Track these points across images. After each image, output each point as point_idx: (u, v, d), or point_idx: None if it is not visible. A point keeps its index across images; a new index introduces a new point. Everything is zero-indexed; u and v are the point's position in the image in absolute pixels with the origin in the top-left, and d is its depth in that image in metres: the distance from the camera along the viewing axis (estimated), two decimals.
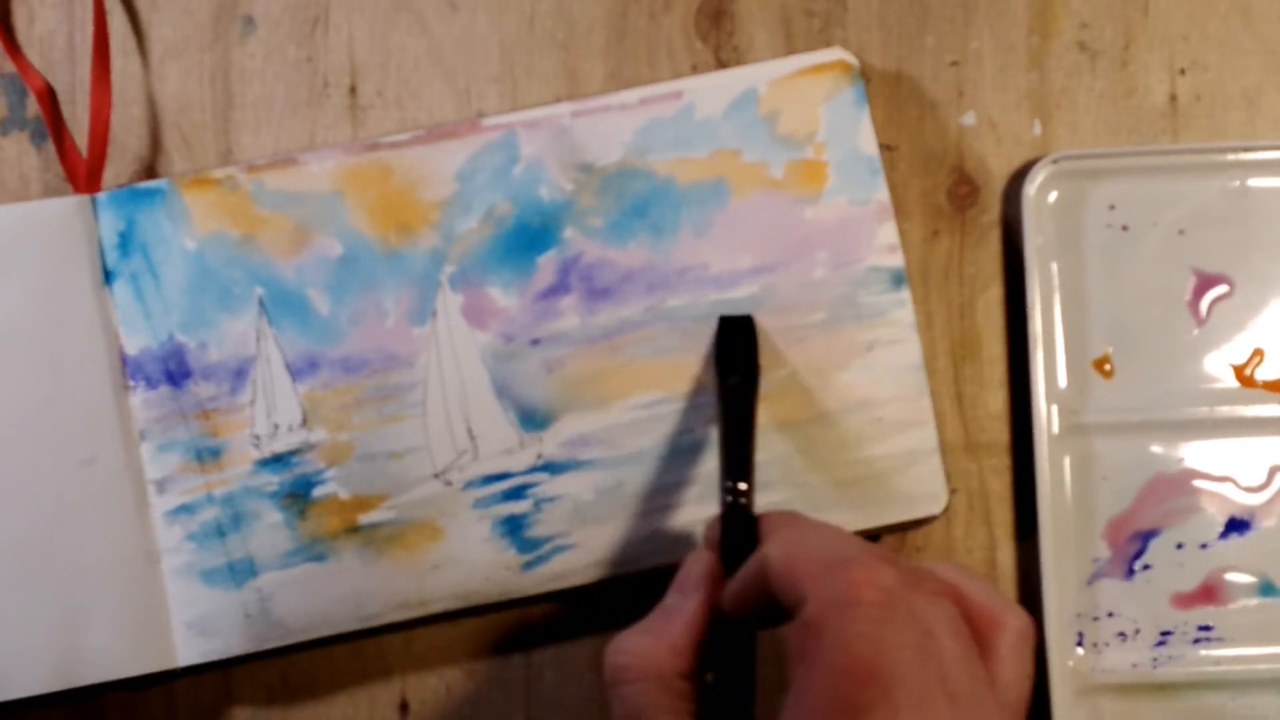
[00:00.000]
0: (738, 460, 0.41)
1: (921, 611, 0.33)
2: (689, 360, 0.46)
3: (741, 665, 0.37)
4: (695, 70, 0.48)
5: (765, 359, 0.46)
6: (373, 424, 0.46)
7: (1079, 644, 0.47)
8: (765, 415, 0.46)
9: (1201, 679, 0.47)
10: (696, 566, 0.39)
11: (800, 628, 0.33)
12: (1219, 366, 0.47)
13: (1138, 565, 0.47)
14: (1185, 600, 0.47)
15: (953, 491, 0.47)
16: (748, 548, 0.38)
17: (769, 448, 0.46)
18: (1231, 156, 0.47)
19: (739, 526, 0.40)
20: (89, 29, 0.47)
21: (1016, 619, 0.35)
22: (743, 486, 0.40)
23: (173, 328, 0.46)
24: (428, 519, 0.46)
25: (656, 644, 0.37)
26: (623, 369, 0.46)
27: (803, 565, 0.34)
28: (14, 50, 0.48)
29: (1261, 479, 0.47)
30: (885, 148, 0.48)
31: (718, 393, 0.44)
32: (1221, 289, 0.47)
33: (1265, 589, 0.47)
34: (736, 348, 0.44)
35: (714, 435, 0.46)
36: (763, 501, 0.46)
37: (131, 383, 0.46)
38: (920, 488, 0.46)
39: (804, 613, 0.33)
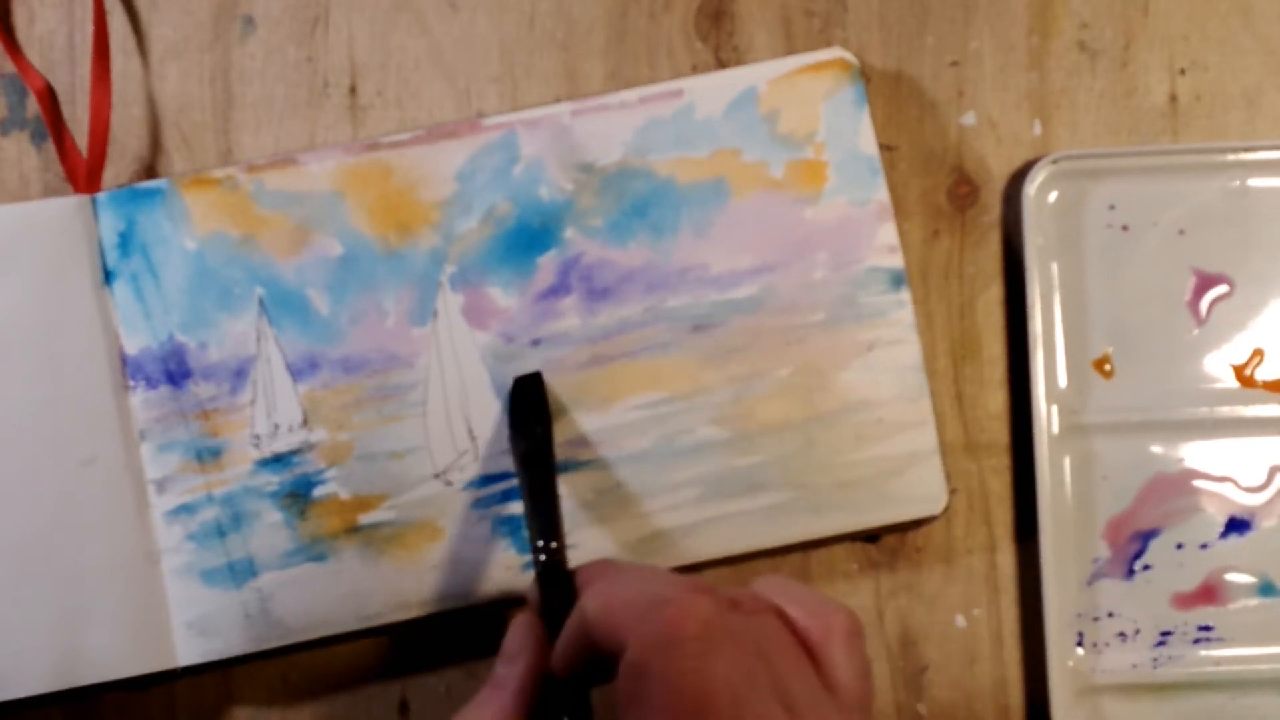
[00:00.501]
0: (544, 520, 0.41)
1: (746, 634, 0.33)
2: (689, 360, 0.46)
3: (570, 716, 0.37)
4: (695, 70, 0.48)
5: (765, 359, 0.46)
6: (373, 424, 0.46)
7: (1079, 644, 0.47)
8: (765, 415, 0.46)
9: (1201, 679, 0.47)
10: (518, 633, 0.39)
11: (625, 673, 0.33)
12: (1219, 366, 0.47)
13: (1138, 565, 0.47)
14: (1185, 600, 0.47)
15: (953, 491, 0.47)
16: (568, 604, 0.37)
17: (769, 448, 0.46)
18: (1231, 156, 0.47)
19: (556, 584, 0.40)
20: (89, 29, 0.47)
21: (841, 618, 0.35)
22: (554, 545, 0.40)
23: (173, 328, 0.46)
24: (428, 519, 0.46)
25: (490, 718, 0.37)
26: (623, 369, 0.46)
27: (619, 612, 0.34)
28: (14, 50, 0.48)
29: (1261, 479, 0.47)
30: (885, 148, 0.48)
31: (514, 454, 0.44)
32: (1221, 289, 0.47)
33: (1265, 589, 0.47)
34: (527, 408, 0.44)
35: (714, 435, 0.46)
36: (763, 503, 0.46)
37: (131, 383, 0.46)
38: (920, 488, 0.46)
39: (627, 657, 0.33)
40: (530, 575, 0.41)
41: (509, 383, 0.46)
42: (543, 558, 0.40)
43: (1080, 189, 0.47)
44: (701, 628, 0.32)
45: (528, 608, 0.40)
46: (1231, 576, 0.47)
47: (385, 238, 0.46)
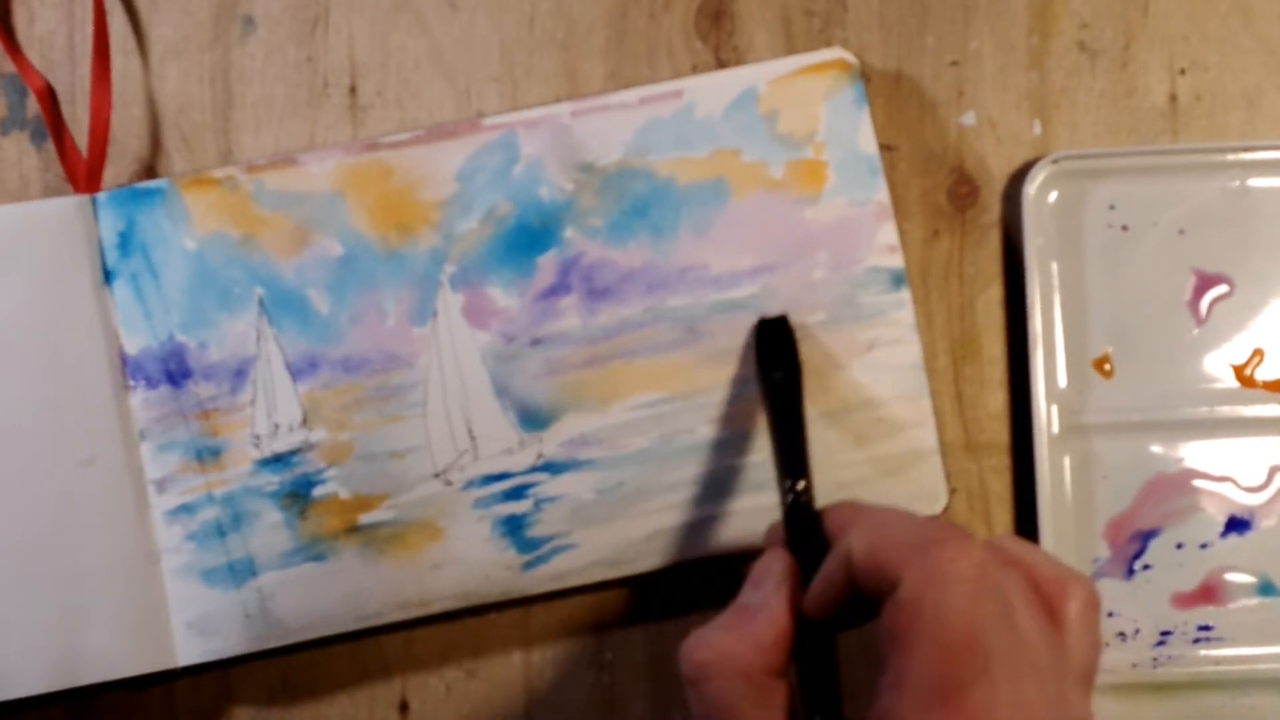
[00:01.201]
0: (792, 458, 0.41)
1: (1003, 586, 0.34)
2: (689, 360, 0.46)
3: (827, 665, 0.37)
4: (695, 70, 0.48)
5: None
6: (373, 424, 0.46)
7: None
8: (764, 415, 0.46)
9: (1201, 679, 0.47)
10: (776, 564, 0.38)
11: (897, 609, 0.33)
12: (1219, 366, 0.47)
13: (1138, 565, 0.47)
14: (1185, 600, 0.47)
15: (953, 491, 0.47)
16: (815, 543, 0.38)
17: (769, 449, 0.46)
18: (1231, 156, 0.47)
19: (804, 524, 0.39)
20: (89, 29, 0.47)
21: (1082, 587, 0.35)
22: (801, 485, 0.40)
23: (173, 328, 0.46)
24: (428, 519, 0.46)
25: (739, 640, 0.36)
26: (623, 369, 0.46)
27: (891, 550, 0.34)
28: (14, 50, 0.48)
29: (1261, 479, 0.47)
30: (885, 148, 0.48)
31: (763, 394, 0.44)
32: (1221, 289, 0.47)
33: (1265, 589, 0.47)
34: (776, 347, 0.44)
35: (713, 435, 0.46)
36: (763, 503, 0.46)
37: (131, 383, 0.46)
38: (920, 488, 0.46)
39: (900, 594, 0.33)
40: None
41: (509, 383, 0.46)
42: (790, 497, 0.40)
43: (1080, 189, 0.47)
44: (976, 570, 0.33)
45: (769, 548, 0.40)
46: (1231, 576, 0.47)
47: (385, 238, 0.46)
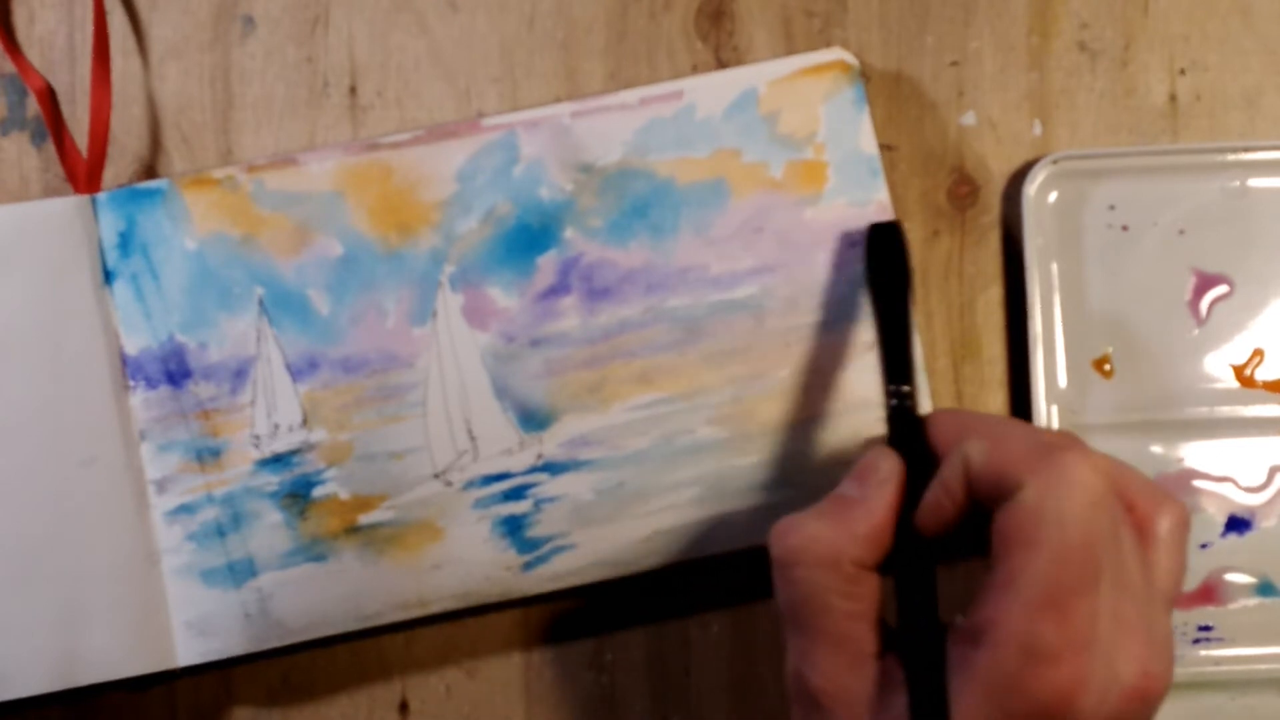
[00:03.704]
0: (898, 362, 0.41)
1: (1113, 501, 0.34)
2: (689, 360, 0.46)
3: (926, 570, 0.36)
4: (695, 70, 0.48)
5: (765, 359, 0.46)
6: (373, 424, 0.46)
7: None
8: (765, 415, 0.46)
9: (1201, 679, 0.47)
10: (883, 461, 0.38)
11: (1017, 512, 0.33)
12: (1219, 366, 0.47)
13: None
14: (1185, 600, 0.47)
15: None
16: (919, 450, 0.37)
17: (769, 448, 0.46)
18: (1231, 156, 0.47)
19: (907, 429, 0.39)
20: (89, 29, 0.47)
21: (1174, 509, 0.36)
22: (906, 389, 0.40)
23: (173, 328, 0.46)
24: (428, 519, 0.46)
25: (835, 530, 0.36)
26: (623, 369, 0.46)
27: (1013, 456, 0.34)
28: (14, 50, 0.48)
29: (1261, 479, 0.47)
30: (885, 148, 0.48)
31: (872, 298, 0.44)
32: (1221, 289, 0.47)
33: (1265, 589, 0.47)
34: (886, 251, 0.44)
35: (713, 435, 0.46)
36: (763, 503, 0.46)
37: (131, 383, 0.46)
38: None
39: (1021, 498, 0.33)
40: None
41: (509, 383, 0.46)
42: (894, 401, 0.40)
43: (1080, 189, 0.47)
44: (1099, 480, 0.33)
45: (873, 450, 0.39)
46: (1231, 576, 0.47)
47: (385, 238, 0.46)
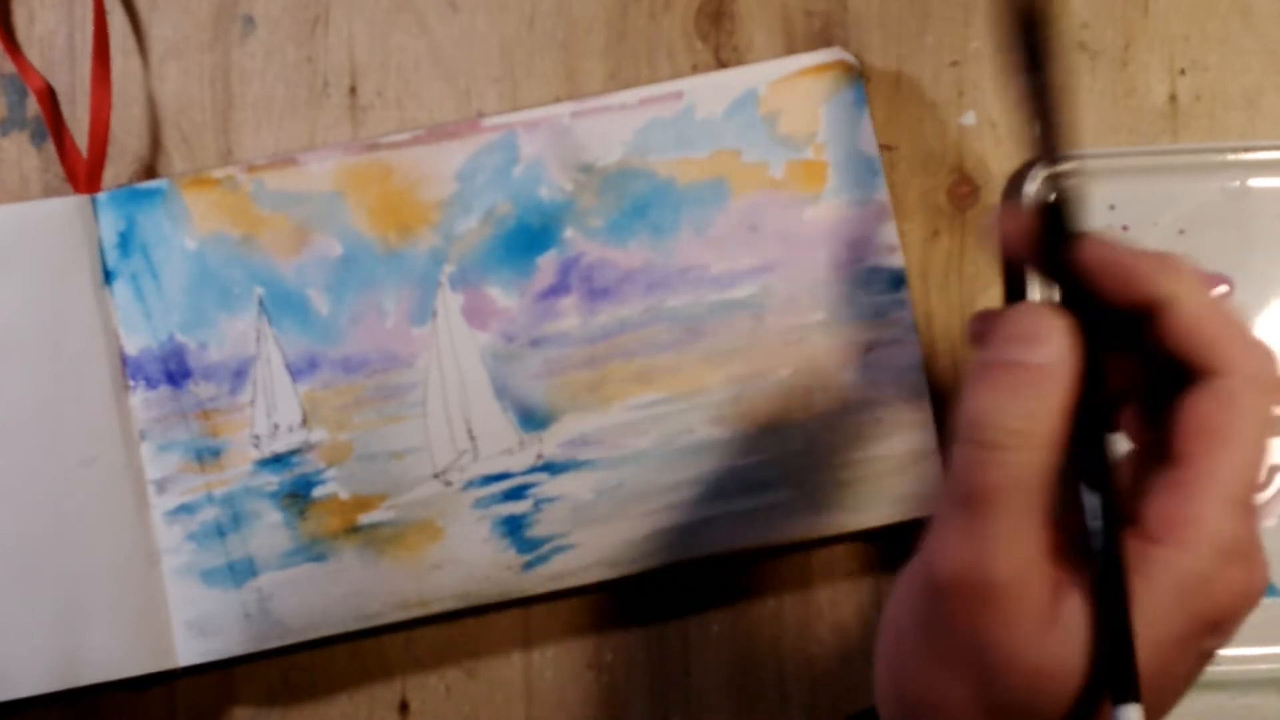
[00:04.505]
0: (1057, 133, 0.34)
1: None
2: (689, 360, 0.46)
3: (1104, 437, 0.32)
4: (695, 70, 0.48)
5: (765, 359, 0.46)
6: (373, 424, 0.46)
7: None
8: (765, 415, 0.46)
9: (1201, 679, 0.47)
10: (1056, 320, 0.31)
11: (1220, 399, 0.31)
12: None
13: None
14: None
15: None
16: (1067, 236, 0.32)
17: (769, 448, 0.46)
18: (1231, 156, 0.47)
19: (1067, 217, 0.33)
20: (89, 29, 0.47)
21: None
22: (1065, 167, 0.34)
23: (173, 328, 0.46)
24: (428, 519, 0.46)
25: (1044, 404, 0.31)
26: (623, 369, 0.46)
27: (1229, 329, 0.31)
28: (14, 50, 0.48)
29: (1261, 479, 0.47)
30: (885, 148, 0.48)
31: (1026, 66, 0.35)
32: (1221, 289, 0.47)
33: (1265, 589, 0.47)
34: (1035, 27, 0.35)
35: (714, 435, 0.46)
36: (763, 502, 0.46)
37: (131, 383, 0.46)
38: (920, 487, 0.46)
39: (1228, 384, 0.31)
40: None
41: (509, 383, 0.46)
42: (1054, 187, 0.34)
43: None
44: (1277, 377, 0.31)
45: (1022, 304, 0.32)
46: None
47: (385, 238, 0.46)
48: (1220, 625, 0.31)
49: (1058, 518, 0.32)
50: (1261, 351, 0.32)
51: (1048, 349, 0.31)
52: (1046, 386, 0.31)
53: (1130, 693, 0.30)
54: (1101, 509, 0.31)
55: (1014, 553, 0.31)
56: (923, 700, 0.32)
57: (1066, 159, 0.34)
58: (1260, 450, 0.31)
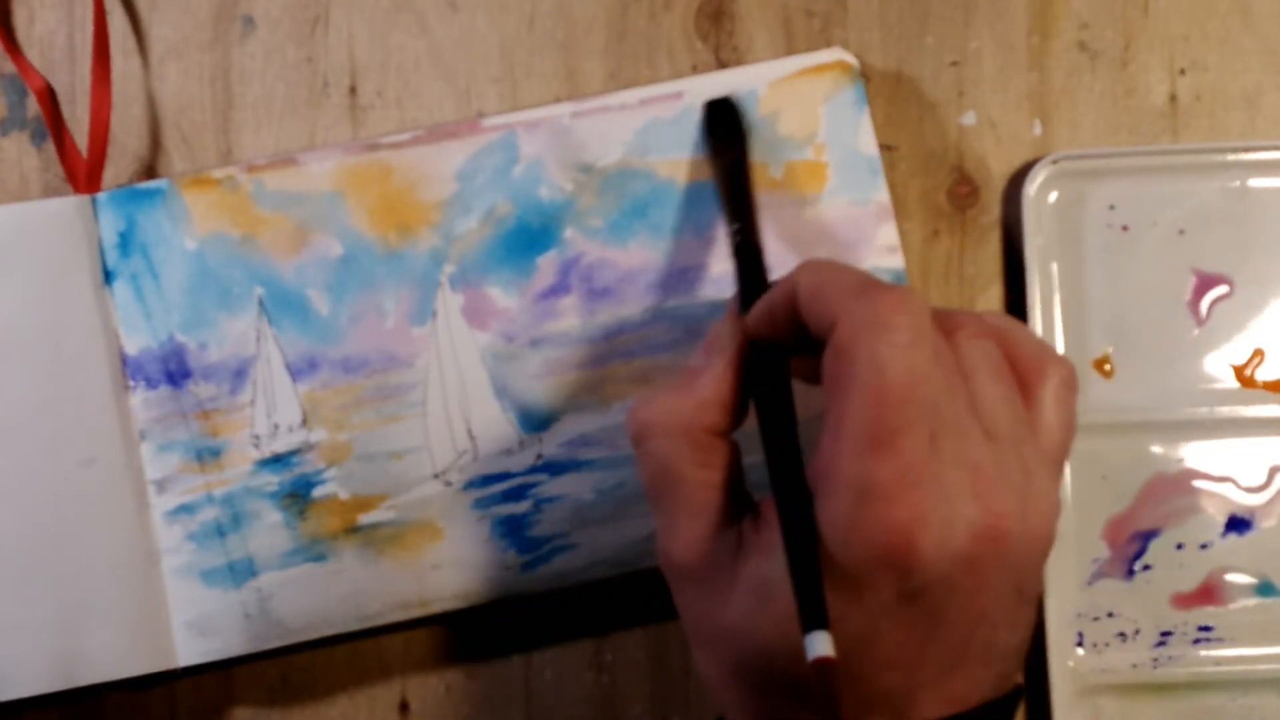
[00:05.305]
0: (738, 205, 0.42)
1: (958, 352, 0.34)
2: (689, 360, 0.46)
3: (783, 410, 0.36)
4: (695, 70, 0.48)
5: None
6: (373, 424, 0.46)
7: (1079, 644, 0.47)
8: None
9: (1201, 679, 0.47)
10: (725, 328, 0.38)
11: (834, 353, 0.33)
12: (1219, 366, 0.47)
13: (1138, 565, 0.47)
14: (1185, 600, 0.47)
15: None
16: (761, 283, 0.39)
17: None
18: (1231, 156, 0.47)
19: (751, 262, 0.40)
20: (89, 29, 0.47)
21: (1061, 367, 0.35)
22: (747, 225, 0.41)
23: (173, 328, 0.46)
24: (428, 519, 0.46)
25: (681, 400, 0.37)
26: (623, 369, 0.46)
27: (833, 288, 0.34)
28: (14, 50, 0.48)
29: (1261, 479, 0.47)
30: (885, 148, 0.48)
31: (712, 161, 0.45)
32: (1221, 289, 0.47)
33: (1265, 589, 0.47)
34: (720, 118, 0.45)
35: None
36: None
37: (131, 383, 0.46)
38: None
39: (835, 337, 0.33)
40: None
41: (509, 383, 0.46)
42: (738, 238, 0.41)
43: (1080, 189, 0.47)
44: (913, 319, 0.32)
45: (726, 316, 0.39)
46: (1231, 576, 0.47)
47: (385, 238, 0.46)
48: (898, 565, 0.32)
49: (749, 486, 0.37)
50: (877, 294, 0.33)
51: (705, 357, 0.37)
52: (694, 384, 0.37)
53: (817, 620, 0.32)
54: (768, 470, 0.35)
55: (684, 533, 0.35)
56: (704, 680, 0.37)
57: (753, 224, 0.42)
58: (894, 385, 0.32)
